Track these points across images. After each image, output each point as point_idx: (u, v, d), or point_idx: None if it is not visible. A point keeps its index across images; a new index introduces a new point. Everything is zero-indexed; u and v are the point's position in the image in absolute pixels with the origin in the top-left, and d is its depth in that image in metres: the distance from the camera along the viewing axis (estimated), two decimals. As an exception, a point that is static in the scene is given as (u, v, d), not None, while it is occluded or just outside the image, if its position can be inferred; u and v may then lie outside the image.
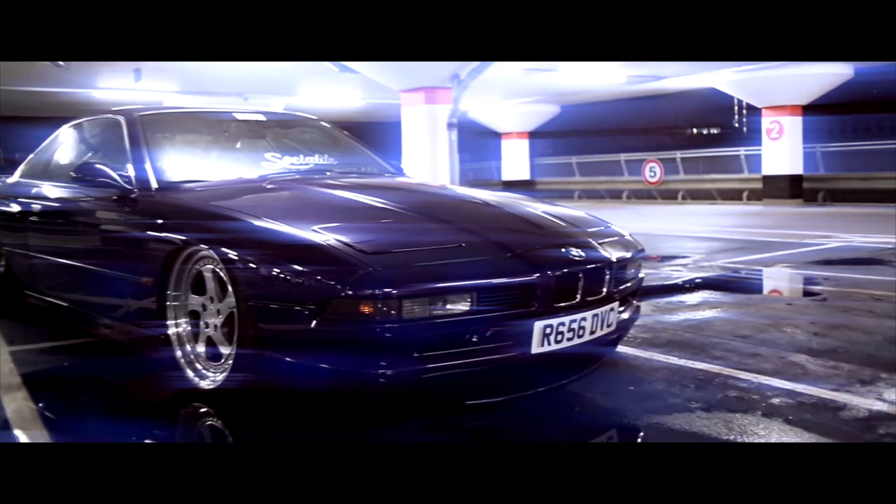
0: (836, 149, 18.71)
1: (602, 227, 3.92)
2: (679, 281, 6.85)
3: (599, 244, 3.52)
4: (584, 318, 3.23)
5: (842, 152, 18.75)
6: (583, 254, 3.33)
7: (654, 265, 7.90)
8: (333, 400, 3.15)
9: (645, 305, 5.43)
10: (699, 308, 5.49)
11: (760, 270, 7.66)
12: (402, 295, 2.82)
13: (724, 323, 4.96)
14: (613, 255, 3.49)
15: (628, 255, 3.70)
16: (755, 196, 18.81)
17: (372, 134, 20.62)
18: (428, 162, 11.82)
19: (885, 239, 9.87)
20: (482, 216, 3.81)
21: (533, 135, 25.80)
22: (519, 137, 25.56)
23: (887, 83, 18.92)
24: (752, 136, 20.65)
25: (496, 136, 26.12)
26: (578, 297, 3.22)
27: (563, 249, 3.32)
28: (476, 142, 26.51)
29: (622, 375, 3.73)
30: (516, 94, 21.68)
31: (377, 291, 2.81)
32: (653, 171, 21.51)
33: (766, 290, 6.79)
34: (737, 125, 31.61)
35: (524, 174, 25.84)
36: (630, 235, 3.95)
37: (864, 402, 3.28)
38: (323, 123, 5.43)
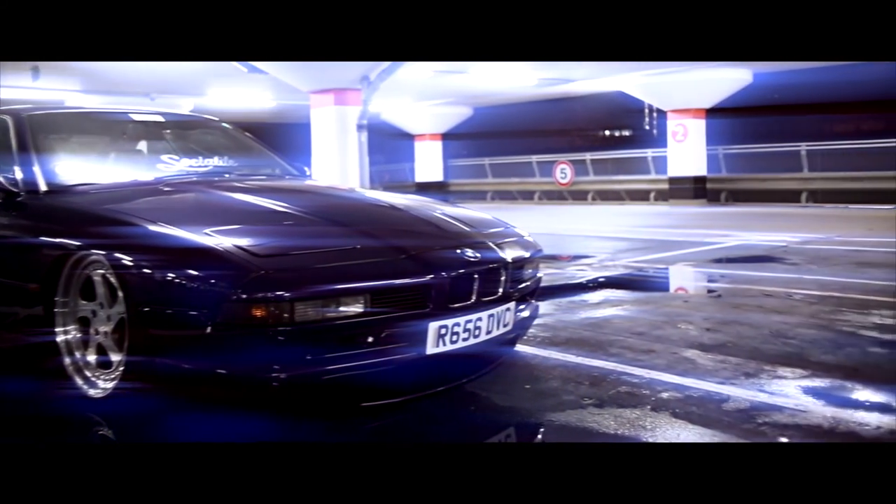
0: (738, 151, 19.36)
1: (500, 229, 3.98)
2: (583, 280, 6.99)
3: (496, 245, 3.57)
4: (479, 319, 3.28)
5: (743, 154, 19.40)
6: (478, 255, 3.37)
7: (559, 265, 8.04)
8: (228, 404, 3.10)
9: (547, 305, 5.54)
10: (600, 307, 5.62)
11: (661, 269, 7.88)
12: (295, 298, 2.81)
13: (623, 321, 5.09)
14: (510, 255, 3.55)
15: (526, 255, 3.76)
16: (662, 196, 19.32)
17: (284, 135, 20.40)
18: (338, 164, 11.76)
19: (780, 237, 10.27)
20: (380, 219, 3.82)
21: (446, 136, 25.93)
22: (432, 139, 25.65)
23: (786, 88, 19.70)
24: (660, 138, 21.22)
25: (410, 137, 26.16)
26: (474, 297, 3.26)
27: (458, 251, 3.35)
28: (390, 143, 26.50)
29: (519, 374, 3.79)
30: (429, 96, 21.75)
31: (269, 295, 2.80)
32: (563, 173, 21.88)
33: (664, 288, 6.99)
34: (647, 127, 32.41)
35: (437, 176, 25.95)
36: (529, 236, 4.02)
37: (746, 393, 3.42)
38: (224, 125, 5.35)
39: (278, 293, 2.80)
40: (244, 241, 3.04)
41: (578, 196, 21.84)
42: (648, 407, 3.24)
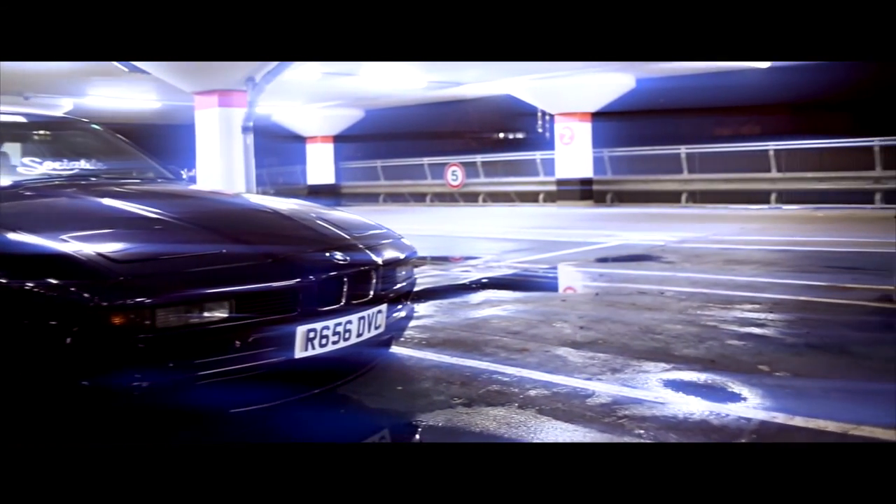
0: (622, 154, 19.95)
1: (374, 231, 3.99)
2: (466, 281, 7.08)
3: (367, 247, 3.58)
4: (349, 322, 3.28)
5: (627, 157, 19.99)
6: (348, 258, 3.38)
7: (444, 266, 8.12)
8: (91, 416, 3.01)
9: (427, 306, 5.59)
10: (479, 307, 5.71)
11: (543, 269, 8.05)
12: (155, 304, 2.75)
13: (501, 321, 5.18)
14: (381, 257, 3.56)
15: (399, 256, 3.79)
16: (550, 198, 19.73)
17: (169, 137, 19.84)
18: (222, 167, 11.54)
19: (659, 236, 10.65)
20: (251, 223, 3.79)
21: (338, 139, 25.77)
22: (324, 141, 25.44)
23: (667, 93, 20.44)
24: (550, 141, 21.63)
25: (301, 140, 25.88)
26: (343, 300, 3.26)
27: (327, 254, 3.35)
28: (283, 146, 26.16)
29: (393, 376, 3.82)
30: (319, 98, 21.58)
31: (128, 301, 2.73)
32: (455, 175, 22.08)
33: (544, 288, 7.15)
34: (539, 130, 33.00)
35: (329, 178, 25.76)
36: (404, 238, 4.05)
37: (611, 388, 3.54)
38: (94, 126, 5.17)
39: (138, 300, 2.73)
40: (104, 248, 2.95)
41: (469, 198, 22.07)
42: (516, 405, 3.31)
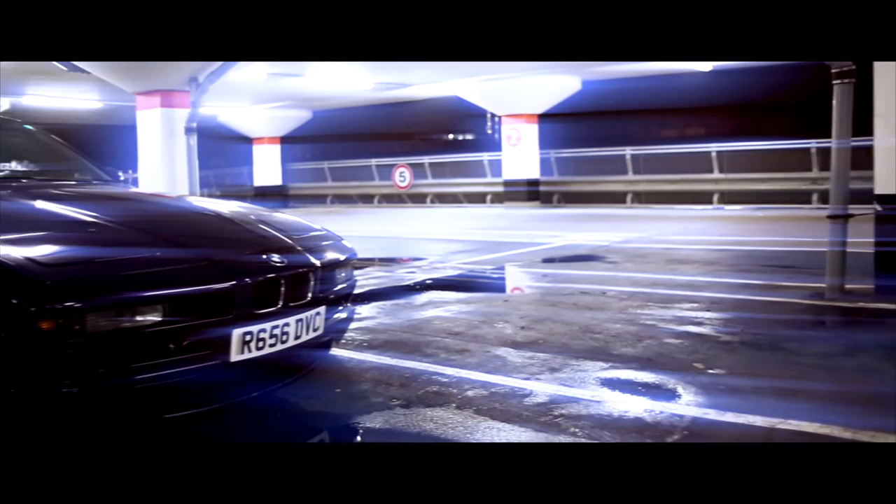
0: (569, 155, 20.13)
1: (313, 233, 3.97)
2: (410, 282, 7.08)
3: (305, 250, 3.56)
4: (286, 324, 3.26)
5: (573, 158, 20.19)
6: (285, 260, 3.36)
7: (389, 268, 8.11)
8: (22, 423, 2.95)
9: (370, 308, 5.59)
10: (423, 308, 5.72)
11: (488, 270, 8.09)
12: (85, 308, 2.70)
13: (443, 321, 5.19)
14: (320, 259, 3.55)
15: (339, 258, 3.77)
16: (497, 199, 19.83)
17: (111, 138, 19.48)
18: (165, 168, 11.36)
19: (604, 237, 10.77)
20: (188, 225, 3.74)
21: (285, 140, 25.58)
22: (271, 143, 25.23)
23: (612, 94, 20.69)
24: (499, 142, 21.71)
25: (248, 141, 25.63)
26: (280, 302, 3.24)
27: (264, 256, 3.32)
28: (229, 147, 25.87)
29: (332, 378, 3.81)
30: (266, 99, 21.38)
31: (57, 306, 2.68)
32: (402, 176, 22.07)
33: (488, 289, 7.19)
34: (489, 131, 33.09)
35: (276, 180, 25.56)
36: (343, 240, 4.03)
37: (548, 388, 3.58)
38: (27, 126, 5.05)
39: (67, 304, 2.68)
40: (33, 252, 2.89)
41: (417, 199, 22.08)
42: (454, 405, 3.33)
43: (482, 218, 16.13)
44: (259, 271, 3.19)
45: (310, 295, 3.43)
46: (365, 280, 7.19)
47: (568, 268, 8.01)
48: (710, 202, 17.06)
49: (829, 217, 5.97)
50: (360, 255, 9.04)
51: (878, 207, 5.78)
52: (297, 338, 3.33)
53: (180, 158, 10.99)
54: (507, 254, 9.37)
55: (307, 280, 3.42)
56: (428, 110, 29.68)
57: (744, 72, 17.67)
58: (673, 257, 8.49)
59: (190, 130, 11.01)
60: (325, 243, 3.87)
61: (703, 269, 7.59)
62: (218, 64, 11.00)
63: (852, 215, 5.89)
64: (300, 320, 3.34)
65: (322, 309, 3.51)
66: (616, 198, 18.53)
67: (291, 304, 3.31)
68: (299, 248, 3.56)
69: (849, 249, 5.84)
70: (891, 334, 4.62)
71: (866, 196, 5.95)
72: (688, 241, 10.15)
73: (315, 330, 3.47)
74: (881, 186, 5.81)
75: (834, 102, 6.09)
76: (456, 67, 15.81)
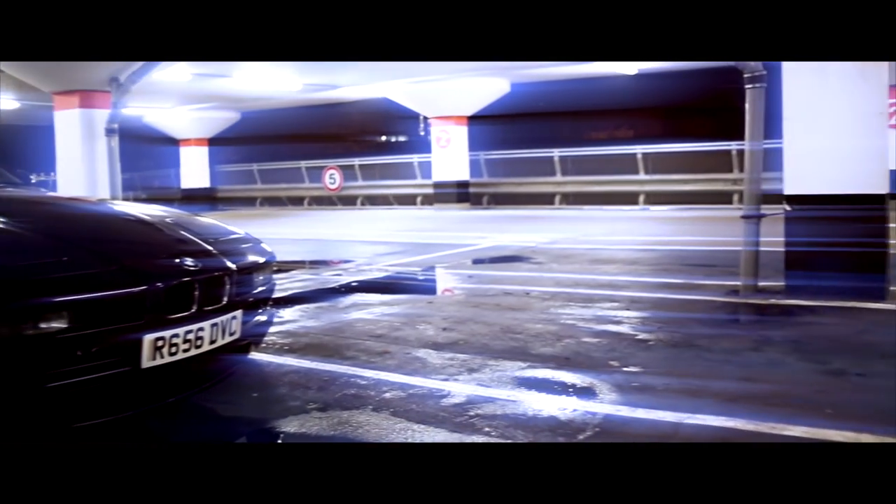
0: (498, 157, 20.29)
1: (231, 237, 3.94)
2: (336, 285, 7.06)
3: (221, 253, 3.53)
4: (201, 329, 3.22)
5: (503, 160, 20.36)
6: (199, 264, 3.32)
7: (315, 270, 8.07)
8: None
9: (293, 311, 5.56)
10: (346, 311, 5.70)
11: (415, 271, 8.11)
12: (-14, 315, 2.64)
13: (365, 324, 5.19)
14: (236, 263, 3.52)
15: (257, 261, 3.75)
16: (428, 201, 19.87)
17: (30, 139, 18.91)
18: (85, 171, 11.08)
19: (531, 238, 10.89)
20: (101, 229, 3.67)
21: (213, 141, 25.18)
22: (198, 144, 24.80)
23: (541, 97, 20.95)
24: (428, 144, 21.75)
25: (175, 143, 25.16)
26: (194, 307, 3.21)
27: (177, 260, 3.28)
28: (155, 149, 25.35)
29: (250, 382, 3.78)
30: (192, 100, 21.01)
31: (-44, 313, 2.61)
32: (332, 178, 21.95)
33: (413, 290, 7.20)
34: (422, 133, 33.11)
35: (204, 182, 25.14)
36: (263, 243, 4.00)
37: (466, 388, 3.61)
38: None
39: (-35, 311, 2.62)
40: (-69, 258, 2.81)
41: (348, 201, 21.99)
42: (370, 407, 3.34)
43: (412, 220, 16.15)
44: (172, 275, 3.15)
45: (226, 299, 3.40)
46: (290, 283, 7.14)
47: (493, 269, 8.08)
48: (637, 203, 17.38)
49: (743, 217, 6.15)
50: (287, 258, 9.01)
51: (788, 208, 5.97)
52: (212, 342, 3.29)
53: (101, 161, 10.73)
54: (435, 255, 9.40)
55: (223, 284, 3.39)
56: (360, 112, 29.58)
57: (669, 75, 18.06)
58: (597, 257, 8.63)
59: (111, 132, 10.76)
60: (242, 247, 3.84)
61: (625, 268, 7.75)
62: (140, 63, 10.79)
63: (765, 215, 6.07)
64: (216, 325, 3.31)
65: (239, 313, 3.49)
66: (545, 199, 18.75)
67: (206, 309, 3.27)
68: (215, 251, 3.52)
69: (762, 249, 6.01)
70: (797, 330, 4.78)
71: (780, 197, 6.14)
72: (612, 241, 10.33)
73: (232, 334, 3.44)
74: (790, 187, 6.01)
75: (746, 106, 6.28)
76: (384, 69, 15.77)
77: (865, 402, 3.33)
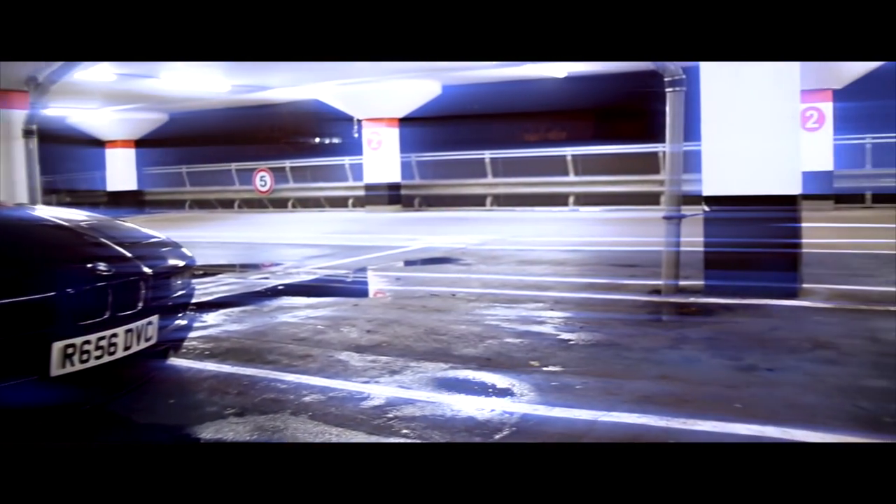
0: (430, 158, 20.35)
1: (149, 241, 3.87)
2: (262, 288, 6.99)
3: (137, 257, 3.47)
4: (115, 335, 3.16)
5: (435, 162, 20.43)
6: (113, 268, 3.26)
7: (241, 274, 7.99)
8: None
9: (217, 315, 5.49)
10: (270, 314, 5.66)
11: (342, 274, 8.08)
12: None
13: (289, 327, 5.16)
14: (153, 267, 3.46)
15: (175, 265, 3.69)
16: (359, 203, 19.81)
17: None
18: (2, 174, 10.75)
19: (462, 239, 10.94)
20: (11, 234, 3.57)
21: (140, 143, 24.67)
22: (124, 146, 24.27)
23: (472, 99, 21.06)
24: (360, 146, 21.67)
25: (101, 144, 24.57)
26: (108, 312, 3.14)
27: (89, 265, 3.22)
28: (80, 151, 24.71)
29: (167, 389, 3.72)
30: (118, 101, 20.53)
31: None
32: (263, 181, 21.71)
33: (340, 293, 7.16)
34: (356, 135, 32.92)
35: (131, 185, 24.61)
36: (182, 247, 3.95)
37: (386, 390, 3.62)
38: None
39: None
40: None
41: (279, 204, 21.78)
42: (289, 411, 3.32)
43: (343, 222, 16.08)
44: (84, 281, 3.08)
45: (141, 304, 3.34)
46: (215, 287, 7.05)
47: (422, 271, 8.10)
48: (567, 204, 17.61)
49: (664, 218, 6.28)
50: (214, 262, 8.88)
51: (706, 208, 6.13)
52: (127, 348, 3.24)
53: (18, 163, 10.43)
54: (364, 258, 9.38)
55: (138, 288, 3.33)
56: (291, 113, 29.32)
57: (598, 78, 18.36)
58: (524, 258, 8.73)
59: (29, 133, 10.47)
60: (161, 251, 3.78)
61: (552, 269, 7.84)
62: (59, 63, 10.52)
63: (685, 216, 6.22)
64: (130, 330, 3.25)
65: (155, 318, 3.43)
66: (476, 201, 18.86)
67: (121, 314, 3.22)
68: (131, 256, 3.46)
69: (684, 249, 6.16)
70: (714, 328, 4.91)
71: (700, 198, 6.29)
72: (541, 242, 10.45)
73: (148, 340, 3.39)
74: (708, 188, 6.17)
75: (667, 109, 6.43)
76: (314, 70, 15.68)
77: (773, 397, 3.44)
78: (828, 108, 14.70)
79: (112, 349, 3.16)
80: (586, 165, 18.13)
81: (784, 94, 6.06)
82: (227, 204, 22.88)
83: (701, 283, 6.09)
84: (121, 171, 24.52)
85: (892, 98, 17.49)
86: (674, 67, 6.36)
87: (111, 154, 24.54)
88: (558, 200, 17.79)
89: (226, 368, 4.07)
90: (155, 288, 3.45)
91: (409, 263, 8.80)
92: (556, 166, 18.24)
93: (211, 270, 8.19)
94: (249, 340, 4.74)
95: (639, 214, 14.90)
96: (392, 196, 19.22)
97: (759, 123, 6.03)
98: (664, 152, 16.14)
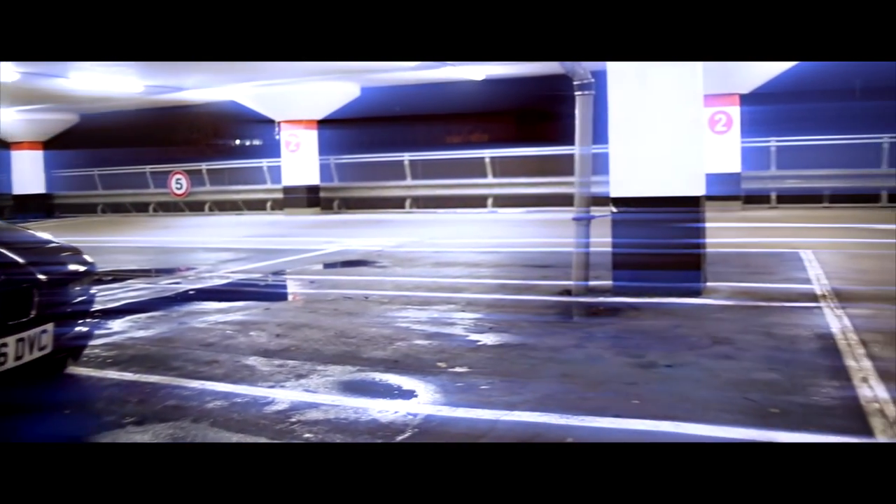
0: (349, 161, 20.24)
1: (46, 247, 3.78)
2: (172, 294, 6.86)
3: (30, 264, 3.38)
4: (4, 345, 3.08)
5: (354, 164, 20.33)
6: (2, 275, 3.17)
7: (153, 279, 7.82)
8: None
9: (123, 322, 5.37)
10: (179, 320, 5.56)
11: (256, 278, 7.98)
12: None
13: (198, 332, 5.08)
14: (47, 274, 3.38)
15: (73, 271, 3.61)
16: (278, 206, 19.57)
17: None
18: None
19: (379, 242, 10.91)
20: None
21: (48, 145, 23.88)
22: (31, 148, 23.45)
23: (391, 101, 21.05)
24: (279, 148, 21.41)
25: (6, 146, 23.68)
26: (-4, 322, 3.06)
27: (-24, 272, 3.13)
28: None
29: (65, 399, 3.63)
30: (23, 101, 19.82)
31: None
32: (179, 184, 21.26)
33: (252, 297, 7.07)
34: (277, 137, 32.50)
35: (39, 188, 23.79)
36: (84, 254, 3.85)
37: (291, 395, 3.60)
38: None
39: None
40: None
41: (196, 207, 21.35)
42: (190, 419, 3.27)
43: (260, 225, 15.88)
44: (-32, 289, 2.99)
45: (34, 312, 3.26)
46: (124, 293, 6.89)
47: (337, 274, 8.07)
48: (485, 206, 17.74)
49: (574, 220, 6.40)
50: (125, 267, 8.67)
51: (614, 209, 6.27)
52: (18, 358, 3.16)
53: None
54: (279, 261, 9.28)
55: (29, 296, 3.25)
56: (210, 115, 28.81)
57: (516, 81, 18.57)
58: (440, 260, 8.77)
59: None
60: (58, 257, 3.69)
61: (467, 270, 7.90)
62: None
63: (594, 218, 6.35)
64: (21, 339, 3.17)
65: (50, 326, 3.36)
66: (396, 203, 18.85)
67: (10, 323, 3.13)
68: (22, 262, 3.38)
69: (596, 250, 6.28)
70: (619, 326, 5.02)
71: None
72: (458, 244, 10.51)
73: (42, 349, 3.31)
74: (615, 190, 6.31)
75: (576, 112, 6.55)
76: (230, 71, 15.45)
77: (670, 392, 3.55)
78: (735, 112, 15.17)
79: (1, 360, 3.07)
80: (505, 167, 18.29)
81: (687, 98, 6.23)
82: (141, 207, 22.32)
83: (609, 282, 6.22)
84: (28, 174, 23.68)
85: (795, 102, 18.20)
86: (582, 71, 6.49)
87: (17, 156, 23.68)
88: (477, 202, 17.90)
89: (128, 376, 3.98)
90: (50, 295, 3.37)
91: (323, 266, 8.75)
92: (476, 168, 18.36)
93: (120, 276, 8.00)
94: (155, 347, 4.65)
95: (556, 216, 15.07)
96: (311, 198, 19.06)
97: (663, 127, 6.19)
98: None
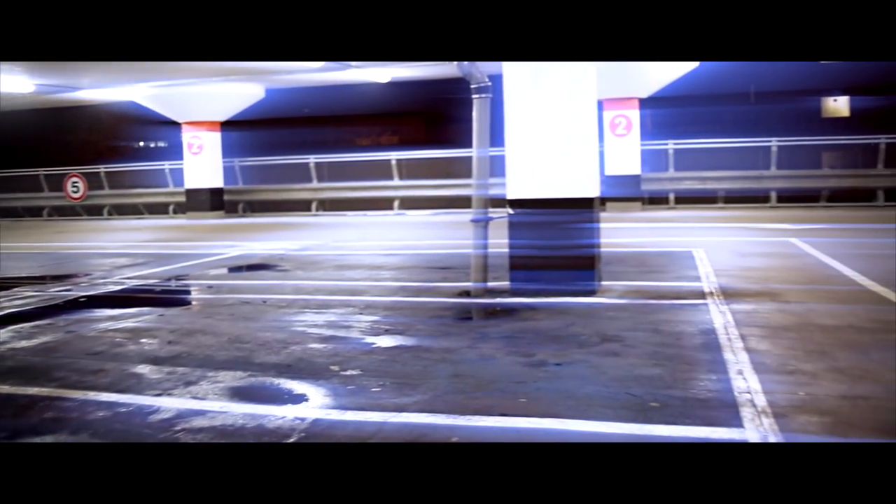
0: (254, 163, 19.94)
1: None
2: (61, 301, 6.64)
3: None
4: None
5: (260, 166, 20.04)
6: None
7: (42, 286, 7.55)
8: None
9: (5, 332, 5.19)
10: (66, 329, 5.39)
11: (153, 283, 7.79)
12: None
13: (86, 341, 4.94)
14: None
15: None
16: (181, 209, 19.14)
17: None
18: None
19: (283, 245, 10.82)
20: None
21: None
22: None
23: (297, 103, 20.84)
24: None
25: None
26: None
27: None
28: None
29: (-66, 413, 3.48)
30: None
31: None
32: (76, 187, 20.57)
33: (145, 303, 6.90)
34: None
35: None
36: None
37: (178, 402, 3.54)
38: None
39: None
40: None
41: (94, 211, 20.69)
42: (68, 431, 3.18)
43: (161, 230, 15.50)
44: None
45: None
46: (8, 301, 6.64)
47: (236, 278, 7.96)
48: (392, 208, 17.75)
49: (472, 222, 6.48)
50: (11, 274, 8.37)
51: (511, 211, 6.37)
52: None
53: None
54: (178, 266, 9.08)
55: None
56: (110, 115, 27.92)
57: (425, 83, 18.62)
58: (343, 263, 8.74)
59: None
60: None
61: (369, 273, 7.89)
62: None
63: (491, 219, 6.44)
64: None
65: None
66: (302, 206, 18.69)
67: None
68: None
69: (496, 251, 6.37)
70: (513, 327, 5.10)
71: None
72: (362, 246, 10.50)
73: None
74: (512, 192, 6.41)
75: (474, 114, 6.63)
76: (127, 71, 15.01)
77: (556, 390, 3.63)
78: (635, 115, 15.56)
79: None
80: (414, 170, 18.33)
81: (580, 99, 6.35)
82: (35, 212, 21.49)
83: (507, 283, 6.31)
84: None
85: (692, 106, 18.77)
86: (479, 74, 6.57)
87: None
88: (384, 204, 17.90)
89: (5, 389, 3.84)
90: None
91: (223, 271, 8.61)
92: (383, 170, 18.34)
93: (6, 283, 7.70)
94: (37, 357, 4.50)
95: (461, 218, 15.17)
96: (214, 202, 18.70)
97: (557, 129, 6.31)
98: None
